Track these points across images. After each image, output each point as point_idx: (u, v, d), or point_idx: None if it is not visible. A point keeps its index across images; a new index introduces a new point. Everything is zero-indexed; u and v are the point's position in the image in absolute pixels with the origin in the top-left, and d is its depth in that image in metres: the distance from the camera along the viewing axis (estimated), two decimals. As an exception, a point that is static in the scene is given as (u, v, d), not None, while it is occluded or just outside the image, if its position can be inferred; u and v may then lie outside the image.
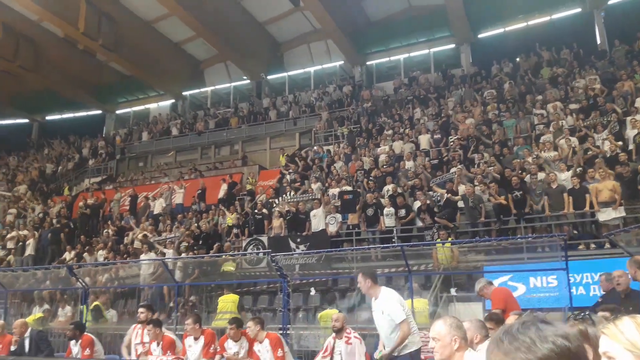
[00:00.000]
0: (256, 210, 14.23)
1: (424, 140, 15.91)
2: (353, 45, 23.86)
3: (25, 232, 16.43)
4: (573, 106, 14.87)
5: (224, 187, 17.06)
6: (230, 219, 14.52)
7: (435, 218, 11.35)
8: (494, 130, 14.92)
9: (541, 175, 11.42)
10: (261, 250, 12.29)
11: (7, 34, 22.97)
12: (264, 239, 13.18)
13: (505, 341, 1.18)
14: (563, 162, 11.91)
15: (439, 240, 10.27)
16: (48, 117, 32.11)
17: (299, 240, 12.67)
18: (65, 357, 7.64)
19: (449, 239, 10.31)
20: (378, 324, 5.26)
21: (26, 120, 32.17)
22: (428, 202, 11.97)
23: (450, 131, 15.94)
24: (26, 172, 24.18)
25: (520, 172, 11.95)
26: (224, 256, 12.01)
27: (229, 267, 11.97)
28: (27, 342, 7.89)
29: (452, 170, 13.30)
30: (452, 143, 15.02)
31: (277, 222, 13.43)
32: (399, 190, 13.03)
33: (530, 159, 12.46)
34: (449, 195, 11.87)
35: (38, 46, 24.58)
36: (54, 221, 16.73)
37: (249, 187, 17.35)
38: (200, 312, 10.77)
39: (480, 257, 10.48)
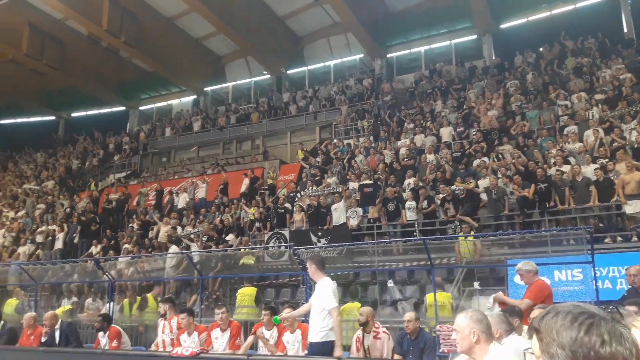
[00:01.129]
0: (278, 205, 14.34)
1: (446, 132, 15.77)
2: (373, 37, 23.72)
3: (54, 226, 16.84)
4: (599, 96, 14.56)
5: (245, 182, 17.22)
6: (252, 213, 14.67)
7: (459, 216, 11.23)
8: (517, 122, 14.71)
9: (566, 168, 11.23)
10: (283, 244, 12.38)
11: (33, 34, 23.50)
12: (286, 232, 13.27)
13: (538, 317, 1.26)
14: (589, 154, 11.69)
15: (461, 233, 10.20)
16: (74, 114, 32.80)
17: (320, 234, 12.72)
18: (94, 348, 7.82)
19: (472, 232, 10.23)
20: (313, 306, 5.58)
21: (53, 117, 32.94)
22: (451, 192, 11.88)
23: (473, 123, 15.78)
24: (53, 168, 24.74)
25: (543, 164, 11.77)
26: (243, 250, 12.11)
27: (249, 260, 12.07)
28: (57, 334, 8.11)
29: (475, 162, 13.18)
30: (474, 135, 14.86)
31: (298, 216, 13.50)
32: (421, 183, 12.97)
33: (554, 151, 12.26)
34: (472, 187, 11.75)
35: (63, 45, 25.07)
36: (81, 216, 17.10)
37: (270, 181, 17.47)
38: (224, 304, 10.93)
39: (504, 250, 10.38)
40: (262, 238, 13.69)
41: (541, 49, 19.49)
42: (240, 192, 17.01)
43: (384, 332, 6.30)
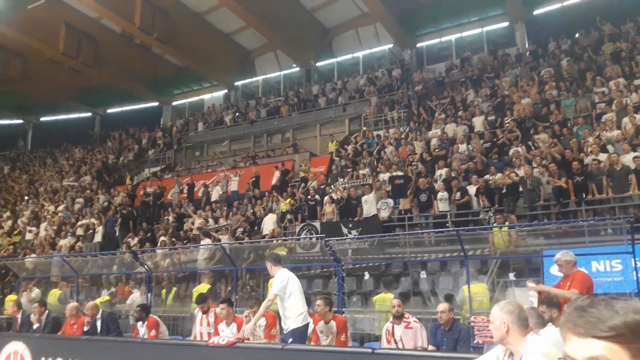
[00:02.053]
0: (309, 197, 14.43)
1: (478, 122, 15.52)
2: (402, 27, 23.46)
3: (92, 220, 17.39)
4: (638, 82, 14.05)
5: (276, 175, 17.38)
6: (283, 205, 14.82)
7: (505, 214, 11.00)
8: (552, 110, 14.36)
9: (603, 157, 10.92)
10: (315, 235, 12.46)
11: (70, 33, 24.19)
12: (317, 224, 13.35)
13: (575, 314, 1.21)
14: (627, 142, 11.32)
15: (495, 224, 10.05)
16: (109, 110, 33.68)
17: (351, 225, 12.74)
18: (133, 338, 8.07)
19: (506, 223, 10.07)
20: (279, 298, 5.98)
21: (89, 114, 33.88)
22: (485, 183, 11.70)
23: (506, 112, 15.47)
24: (90, 163, 25.49)
25: (579, 153, 11.47)
26: (275, 241, 12.24)
27: (281, 251, 12.18)
28: (98, 323, 8.41)
29: (511, 152, 12.94)
30: (507, 124, 14.58)
31: (329, 208, 13.55)
32: (453, 174, 12.82)
33: (591, 139, 11.92)
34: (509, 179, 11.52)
35: (98, 43, 25.72)
36: (118, 209, 17.60)
37: (301, 174, 17.58)
38: (258, 295, 11.10)
39: (539, 241, 10.19)
40: (293, 230, 13.81)
41: (577, 35, 18.91)
42: (272, 184, 17.19)
43: (414, 321, 6.28)
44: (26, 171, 27.94)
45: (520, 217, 11.14)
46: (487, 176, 12.09)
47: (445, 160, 13.81)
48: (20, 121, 35.63)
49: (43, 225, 18.76)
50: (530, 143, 13.24)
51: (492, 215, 10.86)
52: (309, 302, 10.53)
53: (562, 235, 9.95)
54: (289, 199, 15.03)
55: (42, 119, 35.39)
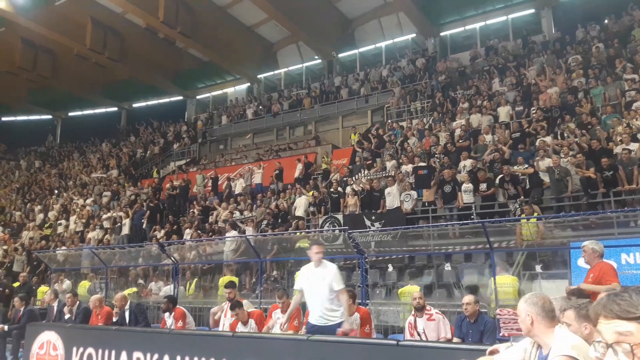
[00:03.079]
0: (332, 189, 14.43)
1: (504, 112, 15.25)
2: (425, 16, 23.19)
3: (120, 213, 17.75)
4: (671, 68, 13.62)
5: (299, 167, 17.44)
6: (307, 197, 14.86)
7: (531, 205, 10.83)
8: (580, 98, 14.02)
9: (634, 146, 10.62)
10: (338, 228, 12.47)
11: (96, 28, 24.61)
12: (340, 216, 13.35)
13: (608, 300, 1.35)
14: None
15: (523, 215, 9.89)
16: (134, 105, 34.22)
17: (373, 217, 12.70)
18: (161, 328, 8.24)
19: (534, 214, 9.90)
20: (315, 291, 5.64)
21: (115, 109, 34.49)
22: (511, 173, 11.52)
23: (532, 101, 15.17)
24: (117, 157, 25.97)
25: (607, 143, 11.18)
26: (298, 233, 12.30)
27: (304, 243, 12.24)
28: (127, 314, 8.62)
29: (536, 142, 12.70)
30: (534, 114, 14.30)
31: (352, 200, 13.53)
32: (479, 165, 12.65)
33: (620, 128, 11.60)
34: (534, 169, 11.33)
35: (123, 37, 26.12)
36: (145, 202, 17.92)
37: (324, 166, 17.59)
38: (282, 287, 11.20)
39: (567, 232, 10.00)
40: (316, 222, 13.84)
41: (606, 21, 18.38)
42: (295, 177, 17.26)
43: (437, 313, 6.27)
44: (55, 165, 28.64)
45: (547, 209, 10.95)
46: (515, 166, 11.90)
47: (469, 151, 13.63)
48: (49, 116, 36.53)
49: (72, 218, 19.23)
50: (559, 132, 12.96)
51: (518, 206, 10.70)
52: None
53: (590, 227, 9.75)
54: (312, 192, 15.06)
55: (70, 114, 36.19)
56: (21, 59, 26.64)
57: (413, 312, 6.29)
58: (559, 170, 10.83)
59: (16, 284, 13.07)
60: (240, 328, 7.05)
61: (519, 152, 12.69)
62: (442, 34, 24.29)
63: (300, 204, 14.22)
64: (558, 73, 16.03)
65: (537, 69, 17.16)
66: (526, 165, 11.85)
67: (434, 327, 6.11)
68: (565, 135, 12.70)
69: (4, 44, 25.98)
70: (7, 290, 12.11)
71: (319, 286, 5.61)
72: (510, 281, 7.92)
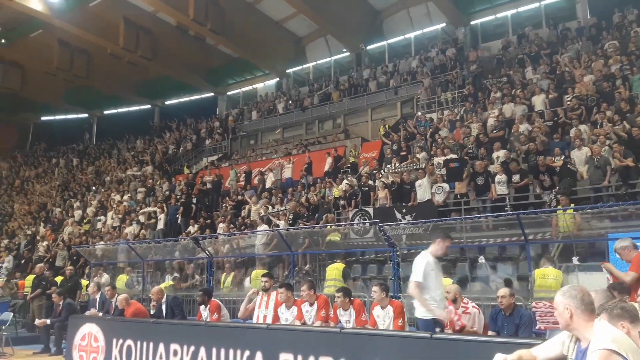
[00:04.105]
0: (361, 182, 14.41)
1: (538, 101, 14.89)
2: (455, 5, 22.80)
3: (155, 208, 18.16)
4: None
5: (329, 161, 17.47)
6: (336, 191, 14.89)
7: (559, 197, 10.59)
8: (618, 85, 13.55)
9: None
10: (368, 221, 12.46)
11: (128, 28, 25.14)
12: (370, 210, 13.33)
13: None
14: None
15: (559, 206, 9.66)
16: (167, 102, 34.87)
17: (404, 210, 12.62)
18: (197, 320, 8.41)
19: (571, 205, 9.66)
20: (440, 282, 5.55)
21: (148, 106, 35.21)
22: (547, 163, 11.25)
23: (567, 90, 14.76)
24: (151, 153, 26.55)
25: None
26: (329, 227, 12.34)
27: (335, 237, 12.29)
28: (164, 307, 8.83)
29: (571, 131, 12.37)
30: (569, 102, 13.91)
31: (382, 193, 13.48)
32: (512, 155, 12.41)
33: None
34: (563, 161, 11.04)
35: (155, 36, 26.59)
36: (178, 198, 18.28)
37: (351, 159, 17.56)
38: (313, 279, 11.28)
39: (604, 224, 9.71)
40: (347, 216, 13.86)
41: (645, 4, 17.70)
42: (324, 170, 17.30)
43: (473, 306, 6.21)
44: (92, 163, 29.47)
45: (585, 199, 10.67)
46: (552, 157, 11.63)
47: (503, 141, 13.38)
48: (86, 115, 37.57)
49: (110, 214, 19.78)
50: (597, 120, 12.58)
51: (554, 197, 10.47)
52: (366, 286, 10.67)
53: (629, 218, 9.45)
54: (343, 184, 15.07)
55: (105, 112, 37.15)
56: (58, 59, 27.44)
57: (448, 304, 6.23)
58: (597, 159, 10.53)
59: (58, 278, 13.52)
60: (282, 310, 7.13)
61: (554, 142, 12.38)
62: (472, 22, 23.84)
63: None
64: (594, 60, 15.54)
65: (572, 56, 16.67)
66: (563, 156, 11.56)
67: (468, 321, 6.06)
68: (602, 123, 12.32)
69: (41, 45, 26.81)
70: (48, 285, 12.53)
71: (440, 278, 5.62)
72: (553, 273, 7.77)
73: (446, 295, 6.24)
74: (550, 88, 15.16)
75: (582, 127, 12.35)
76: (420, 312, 5.29)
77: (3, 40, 25.84)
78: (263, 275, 8.03)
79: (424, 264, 5.27)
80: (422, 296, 5.24)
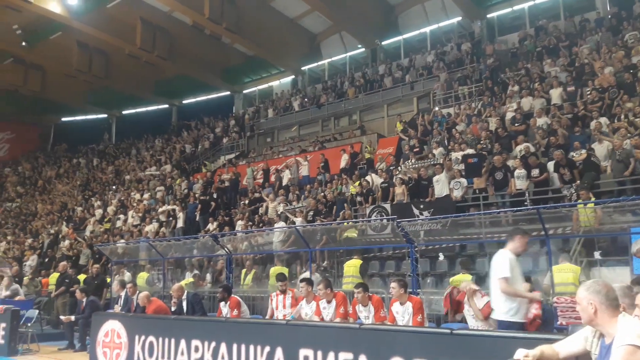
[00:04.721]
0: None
1: (555, 94, 14.68)
2: (471, -2, 22.56)
3: (174, 206, 18.37)
4: None
5: (344, 158, 17.45)
6: (353, 187, 14.88)
7: (580, 193, 10.44)
8: (639, 77, 13.29)
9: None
10: (386, 217, 12.43)
11: (145, 28, 25.42)
12: (387, 206, 13.29)
13: None
14: None
15: (580, 200, 9.53)
16: (184, 101, 35.18)
17: (422, 206, 12.55)
18: (217, 317, 8.51)
19: (592, 199, 9.52)
20: (520, 281, 5.34)
21: (166, 106, 35.57)
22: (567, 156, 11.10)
23: (587, 82, 14.52)
24: (170, 152, 26.83)
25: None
26: (346, 223, 12.35)
27: (352, 233, 12.30)
28: (184, 304, 8.95)
29: (592, 124, 12.17)
30: (588, 95, 13.68)
31: (399, 189, 13.44)
32: (531, 149, 12.27)
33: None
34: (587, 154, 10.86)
35: (171, 36, 26.86)
36: (197, 196, 18.46)
37: (367, 155, 17.52)
38: (331, 276, 11.31)
39: (627, 217, 9.54)
40: (364, 212, 13.84)
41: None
42: (340, 167, 17.30)
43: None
44: (112, 162, 29.90)
45: (607, 193, 10.50)
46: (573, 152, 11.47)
47: (523, 135, 13.21)
48: (105, 115, 38.11)
49: (130, 212, 20.05)
50: (617, 113, 12.36)
51: (574, 191, 10.32)
52: (384, 282, 10.66)
53: (653, 212, 9.28)
54: (359, 181, 15.06)
55: (124, 112, 37.64)
56: (77, 61, 27.89)
57: (466, 301, 6.20)
58: (620, 152, 10.36)
59: (81, 277, 13.77)
60: (302, 304, 7.21)
61: (575, 135, 12.21)
62: (488, 15, 23.57)
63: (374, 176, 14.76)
64: (614, 51, 15.24)
65: (591, 48, 16.39)
66: (583, 150, 11.39)
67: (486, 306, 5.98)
68: (623, 116, 12.09)
69: (61, 47, 27.25)
70: (72, 282, 12.75)
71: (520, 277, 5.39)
72: (571, 269, 7.68)
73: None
74: (568, 81, 14.93)
75: (603, 119, 12.15)
76: (504, 314, 5.00)
77: (24, 43, 26.30)
78: (278, 279, 8.09)
79: (507, 260, 5.08)
80: (516, 290, 5.02)
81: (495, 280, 5.04)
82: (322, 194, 15.32)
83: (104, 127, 37.90)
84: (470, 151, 13.46)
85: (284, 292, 7.88)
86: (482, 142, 13.76)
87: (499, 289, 4.98)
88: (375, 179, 14.71)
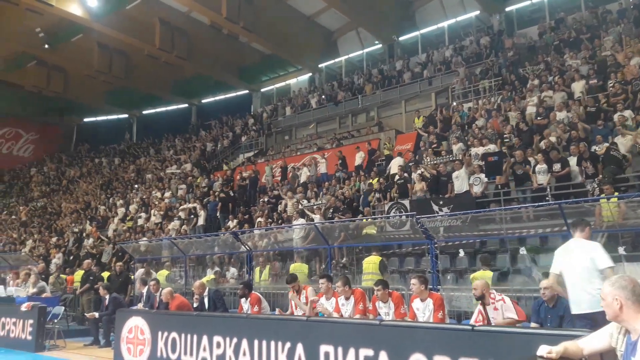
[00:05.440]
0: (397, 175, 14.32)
1: (578, 87, 14.43)
2: (490, -9, 22.30)
3: (195, 204, 18.58)
4: None
5: (361, 155, 17.43)
6: (374, 182, 14.85)
7: (605, 188, 10.26)
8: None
9: None
10: (405, 214, 12.39)
11: (164, 29, 25.72)
12: (406, 202, 13.24)
13: None
14: None
15: (603, 195, 9.37)
16: (203, 101, 35.51)
17: (441, 202, 12.48)
18: (238, 313, 8.59)
19: (615, 194, 9.35)
20: (573, 271, 5.11)
21: (186, 105, 35.95)
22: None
23: (610, 75, 14.24)
24: (190, 151, 27.12)
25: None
26: (365, 220, 12.34)
27: (371, 230, 12.28)
28: (206, 300, 9.06)
29: (614, 117, 11.93)
30: (611, 88, 13.41)
31: (418, 185, 13.38)
32: (552, 138, 12.09)
33: None
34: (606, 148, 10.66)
35: (189, 36, 27.11)
36: (217, 194, 18.64)
37: (386, 152, 17.46)
38: (350, 273, 11.32)
39: (652, 212, 9.38)
40: (382, 208, 13.81)
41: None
42: (355, 165, 17.26)
43: (499, 300, 5.99)
44: (133, 161, 30.34)
45: (631, 187, 10.31)
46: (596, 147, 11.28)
47: (542, 129, 13.03)
48: (126, 115, 38.68)
49: (152, 211, 20.34)
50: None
51: (597, 186, 10.15)
52: (404, 279, 10.63)
53: (679, 206, 9.07)
54: (377, 178, 15.03)
55: (144, 112, 38.14)
56: (98, 62, 28.37)
57: (480, 302, 6.10)
58: (643, 145, 10.15)
59: (105, 274, 14.02)
60: (322, 301, 7.26)
61: (597, 129, 11.99)
62: (507, 9, 23.29)
63: (395, 165, 15.03)
64: (637, 42, 14.92)
65: (614, 39, 16.05)
66: (605, 144, 11.19)
67: (497, 316, 5.90)
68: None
69: (82, 49, 27.74)
70: (96, 280, 12.98)
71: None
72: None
73: (473, 292, 6.11)
74: (590, 74, 14.67)
75: (627, 112, 11.91)
76: (597, 304, 4.52)
77: (47, 46, 26.82)
78: (288, 282, 8.13)
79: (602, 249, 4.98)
80: None
81: (594, 270, 4.91)
82: (340, 191, 15.32)
83: (125, 127, 38.49)
84: (492, 147, 13.31)
85: (297, 291, 7.91)
86: (506, 135, 13.58)
87: (603, 279, 4.70)
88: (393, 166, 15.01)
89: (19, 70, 29.73)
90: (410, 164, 15.00)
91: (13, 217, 27.63)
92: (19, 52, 28.02)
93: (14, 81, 30.60)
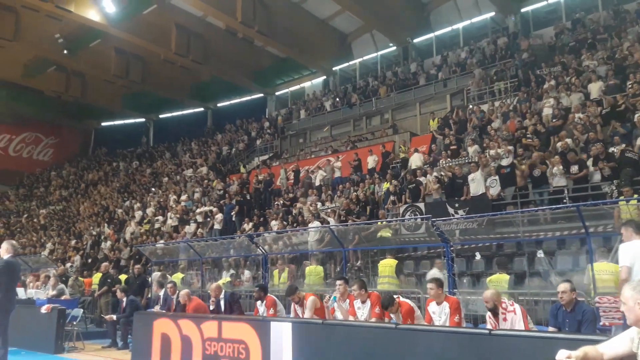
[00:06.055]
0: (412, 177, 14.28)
1: (595, 88, 14.25)
2: (505, -9, 22.15)
3: (211, 207, 18.71)
4: None
5: (375, 157, 17.40)
6: (386, 186, 14.82)
7: (624, 190, 10.10)
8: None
9: None
10: (420, 216, 12.35)
11: (180, 33, 25.99)
12: (421, 205, 13.19)
13: None
14: None
15: (622, 197, 9.24)
16: (219, 104, 35.79)
17: (457, 205, 12.42)
18: (254, 315, 8.64)
19: (635, 195, 9.22)
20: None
21: (202, 109, 36.27)
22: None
23: (629, 75, 14.04)
24: (206, 155, 27.34)
25: None
26: (380, 223, 12.31)
27: (386, 233, 12.26)
28: (222, 303, 9.12)
29: (635, 118, 11.76)
30: (630, 89, 13.22)
31: (434, 187, 13.33)
32: (569, 141, 11.96)
33: None
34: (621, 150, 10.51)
35: (205, 40, 27.33)
36: (233, 197, 18.76)
37: (402, 155, 17.41)
38: (365, 276, 11.31)
39: (673, 214, 9.22)
40: (397, 211, 13.77)
41: None
42: (368, 168, 17.22)
43: (509, 311, 5.71)
44: (150, 165, 30.67)
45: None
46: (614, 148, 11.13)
47: (559, 131, 12.89)
48: (142, 119, 39.12)
49: (168, 214, 20.53)
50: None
51: (615, 188, 10.02)
52: (419, 282, 10.60)
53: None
54: (392, 181, 14.98)
55: (161, 116, 38.56)
56: (115, 67, 28.78)
57: (488, 315, 5.93)
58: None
59: (123, 277, 14.18)
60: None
61: (615, 130, 11.83)
62: (523, 10, 23.09)
63: (416, 159, 15.54)
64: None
65: (632, 40, 15.83)
66: (623, 145, 11.04)
67: (505, 327, 5.75)
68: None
69: (100, 54, 28.17)
70: (113, 282, 13.13)
71: None
72: (609, 268, 7.45)
73: (485, 304, 5.87)
74: (609, 74, 14.48)
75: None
76: None
77: (65, 51, 27.29)
78: (287, 295, 8.08)
79: None
80: None
81: None
82: (355, 193, 15.32)
83: (142, 130, 38.91)
84: (504, 155, 13.00)
85: (297, 303, 7.84)
86: (528, 135, 13.42)
87: None
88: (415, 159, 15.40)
89: (39, 76, 30.29)
90: (426, 165, 14.95)
91: (34, 220, 28.10)
92: (39, 58, 28.55)
93: (34, 86, 31.20)
